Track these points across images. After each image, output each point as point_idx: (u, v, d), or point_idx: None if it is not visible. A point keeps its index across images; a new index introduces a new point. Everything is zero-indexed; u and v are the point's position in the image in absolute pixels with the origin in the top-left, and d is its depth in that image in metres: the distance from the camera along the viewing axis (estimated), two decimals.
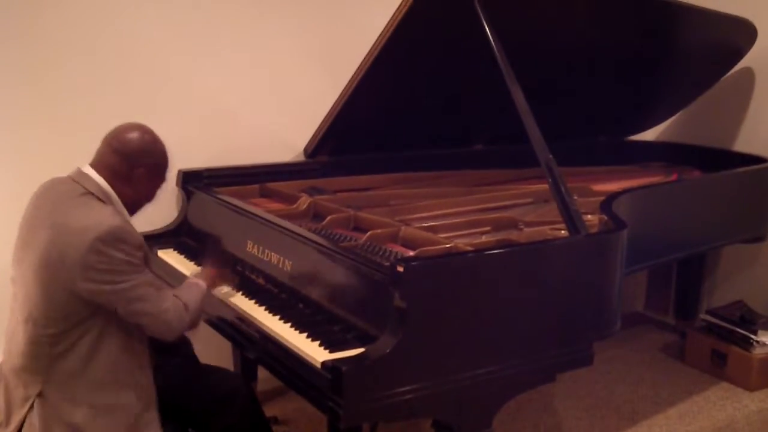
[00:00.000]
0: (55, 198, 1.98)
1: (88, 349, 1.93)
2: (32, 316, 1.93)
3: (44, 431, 1.93)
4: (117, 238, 1.85)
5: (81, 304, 1.90)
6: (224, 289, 2.42)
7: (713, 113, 4.19)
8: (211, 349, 2.84)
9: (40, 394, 1.94)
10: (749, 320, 3.72)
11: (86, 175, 1.99)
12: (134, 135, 2.02)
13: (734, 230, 3.59)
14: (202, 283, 2.20)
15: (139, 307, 1.91)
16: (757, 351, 3.63)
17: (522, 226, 2.72)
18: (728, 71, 3.98)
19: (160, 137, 2.10)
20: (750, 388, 3.64)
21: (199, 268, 2.44)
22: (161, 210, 3.12)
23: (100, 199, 1.97)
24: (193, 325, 2.08)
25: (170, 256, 2.84)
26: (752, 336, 3.65)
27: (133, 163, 2.00)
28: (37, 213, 1.98)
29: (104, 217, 1.89)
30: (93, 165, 2.02)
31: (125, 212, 2.04)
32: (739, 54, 3.86)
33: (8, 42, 2.76)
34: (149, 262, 2.05)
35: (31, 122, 2.81)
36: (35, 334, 1.93)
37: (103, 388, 1.96)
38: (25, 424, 1.96)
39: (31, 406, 1.95)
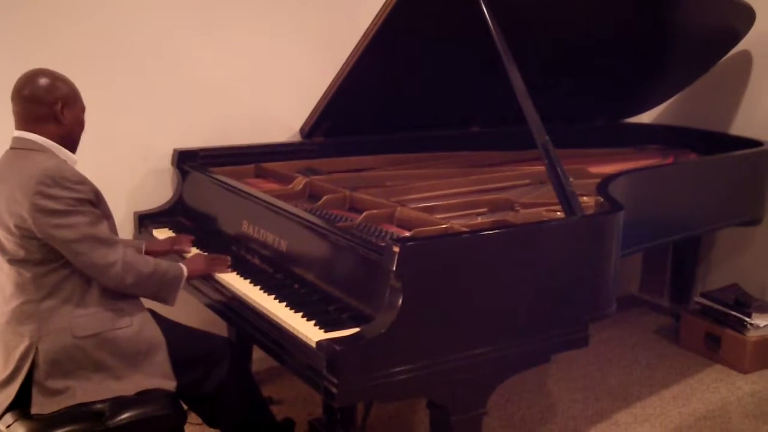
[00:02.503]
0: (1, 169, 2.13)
1: (81, 283, 2.09)
2: (14, 264, 2.07)
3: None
4: (54, 176, 2.00)
5: (51, 248, 2.04)
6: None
7: (710, 96, 4.18)
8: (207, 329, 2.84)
9: (39, 339, 2.05)
10: (743, 303, 3.72)
11: (16, 138, 2.12)
12: (35, 79, 2.11)
13: (729, 213, 3.59)
14: (184, 268, 2.29)
15: (86, 259, 2.04)
16: (751, 334, 3.64)
17: (518, 208, 2.72)
18: (726, 54, 3.96)
19: (53, 70, 2.16)
20: (744, 370, 3.66)
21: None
22: (157, 189, 3.12)
23: (35, 150, 2.10)
24: (136, 288, 2.15)
25: (165, 236, 2.82)
26: (746, 319, 3.66)
27: (50, 100, 2.09)
28: None
29: (39, 163, 2.03)
30: (18, 127, 2.13)
31: (64, 152, 2.14)
32: (737, 37, 3.84)
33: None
34: (101, 203, 2.14)
35: None
36: (21, 279, 2.07)
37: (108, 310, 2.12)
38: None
39: (35, 354, 2.04)
